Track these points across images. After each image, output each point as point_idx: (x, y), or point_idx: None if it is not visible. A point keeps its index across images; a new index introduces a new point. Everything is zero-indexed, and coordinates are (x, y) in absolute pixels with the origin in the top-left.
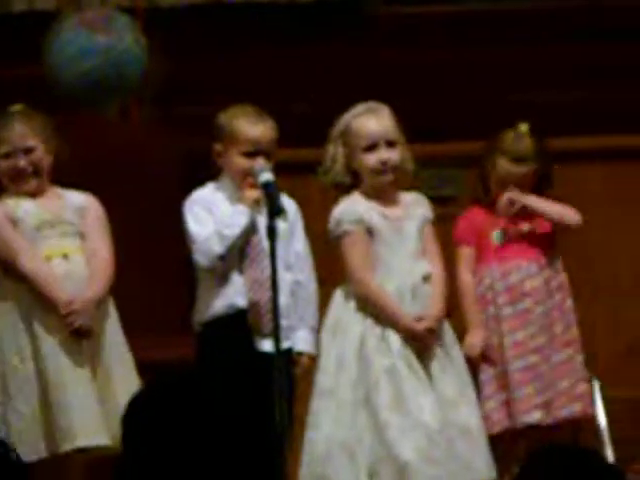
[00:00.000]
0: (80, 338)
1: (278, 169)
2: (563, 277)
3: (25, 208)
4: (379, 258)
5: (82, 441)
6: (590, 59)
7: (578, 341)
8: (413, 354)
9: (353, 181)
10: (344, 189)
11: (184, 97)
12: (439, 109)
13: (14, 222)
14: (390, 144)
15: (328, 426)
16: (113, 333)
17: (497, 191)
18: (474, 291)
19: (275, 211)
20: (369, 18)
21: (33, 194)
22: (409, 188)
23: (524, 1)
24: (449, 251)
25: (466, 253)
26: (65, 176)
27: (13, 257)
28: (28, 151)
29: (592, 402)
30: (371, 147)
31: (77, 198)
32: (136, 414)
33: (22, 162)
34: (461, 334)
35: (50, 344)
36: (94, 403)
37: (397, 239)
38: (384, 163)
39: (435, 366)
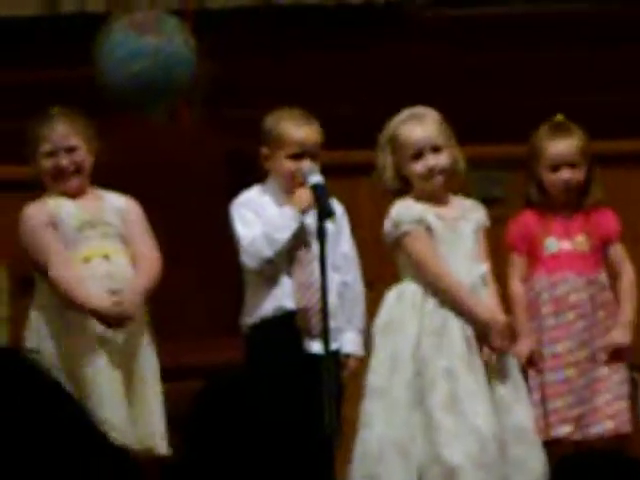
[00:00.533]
0: (119, 326)
1: (325, 171)
2: (608, 294)
3: (66, 209)
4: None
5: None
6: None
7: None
8: (475, 355)
9: (405, 187)
10: (397, 194)
11: (232, 99)
12: (486, 111)
13: (55, 223)
14: (436, 149)
15: (380, 426)
16: (144, 339)
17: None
18: (524, 299)
19: (325, 213)
20: (415, 20)
21: (74, 194)
22: (459, 190)
23: (570, 3)
24: (496, 254)
25: (517, 261)
26: (114, 178)
27: (45, 265)
28: (70, 150)
29: (627, 421)
30: (417, 155)
31: (117, 200)
32: (192, 419)
33: (64, 161)
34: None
35: (82, 345)
36: (123, 406)
37: (453, 238)
38: (431, 169)
39: (492, 368)
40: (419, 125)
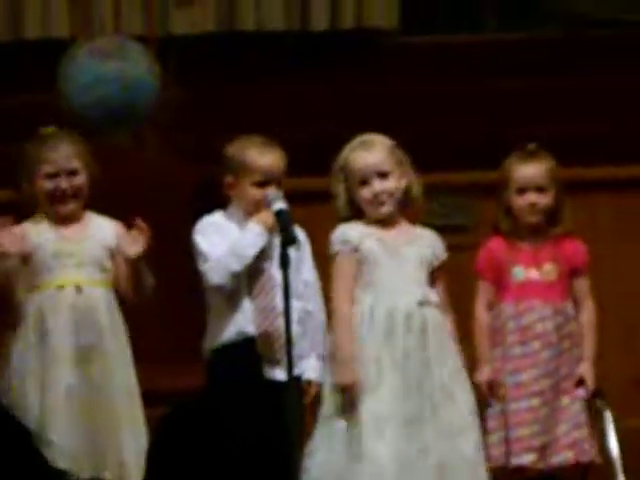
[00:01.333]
0: None
1: (286, 198)
2: (574, 324)
3: (46, 235)
4: (371, 280)
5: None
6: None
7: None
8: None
9: (357, 214)
10: (350, 220)
11: (196, 125)
12: (455, 138)
13: (30, 252)
14: (383, 175)
15: (322, 453)
16: (124, 363)
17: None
18: (488, 326)
19: (289, 240)
20: (384, 47)
21: (64, 219)
22: (418, 216)
23: (541, 30)
24: (460, 282)
25: (484, 287)
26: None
27: None
28: (71, 173)
29: (587, 450)
30: (364, 181)
31: (107, 231)
32: (156, 446)
33: (64, 184)
34: (471, 366)
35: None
36: (85, 433)
37: (393, 263)
38: (376, 195)
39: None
40: (366, 152)
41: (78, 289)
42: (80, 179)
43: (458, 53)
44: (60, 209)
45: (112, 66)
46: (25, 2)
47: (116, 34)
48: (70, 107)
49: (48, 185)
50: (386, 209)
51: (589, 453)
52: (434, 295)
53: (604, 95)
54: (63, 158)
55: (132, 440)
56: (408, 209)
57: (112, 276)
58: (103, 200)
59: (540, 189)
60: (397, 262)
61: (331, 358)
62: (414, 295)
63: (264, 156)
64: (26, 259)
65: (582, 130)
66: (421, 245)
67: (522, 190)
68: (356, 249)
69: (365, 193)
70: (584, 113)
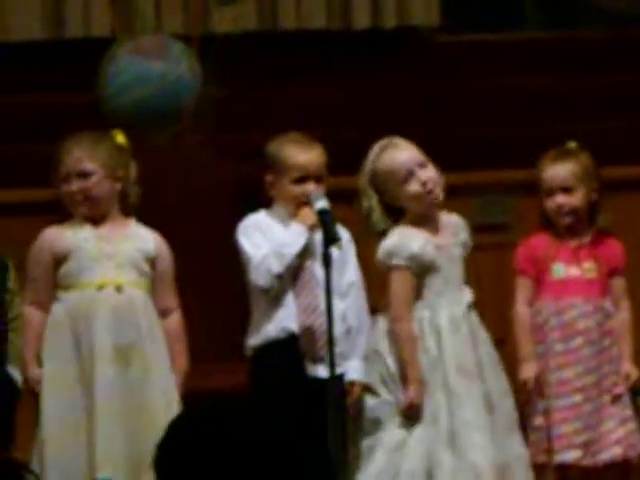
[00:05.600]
0: None
1: (331, 197)
2: (613, 323)
3: (84, 235)
4: (432, 289)
5: (102, 473)
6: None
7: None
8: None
9: (395, 223)
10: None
11: (237, 124)
12: (494, 136)
13: (65, 254)
14: (423, 165)
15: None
16: (162, 368)
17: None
18: (529, 323)
19: (331, 239)
20: (425, 45)
21: (96, 221)
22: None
23: (583, 29)
24: (500, 279)
25: (524, 284)
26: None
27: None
28: (81, 176)
29: (635, 445)
30: (407, 176)
31: (146, 240)
32: (170, 447)
33: (73, 187)
34: (513, 364)
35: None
36: (121, 435)
37: (449, 267)
38: (425, 183)
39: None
40: (396, 150)
41: (118, 289)
42: (91, 181)
43: (499, 51)
44: (76, 212)
45: (153, 65)
46: (66, 1)
47: (157, 33)
48: (110, 106)
49: (64, 188)
50: (436, 196)
51: (637, 448)
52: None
53: None
54: (74, 160)
55: None
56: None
57: (150, 282)
58: (143, 200)
59: (567, 190)
60: (451, 266)
61: (391, 379)
62: (465, 298)
63: (302, 152)
64: (62, 260)
65: (621, 128)
66: (460, 240)
67: (550, 191)
68: (419, 262)
69: (412, 186)
70: (623, 110)
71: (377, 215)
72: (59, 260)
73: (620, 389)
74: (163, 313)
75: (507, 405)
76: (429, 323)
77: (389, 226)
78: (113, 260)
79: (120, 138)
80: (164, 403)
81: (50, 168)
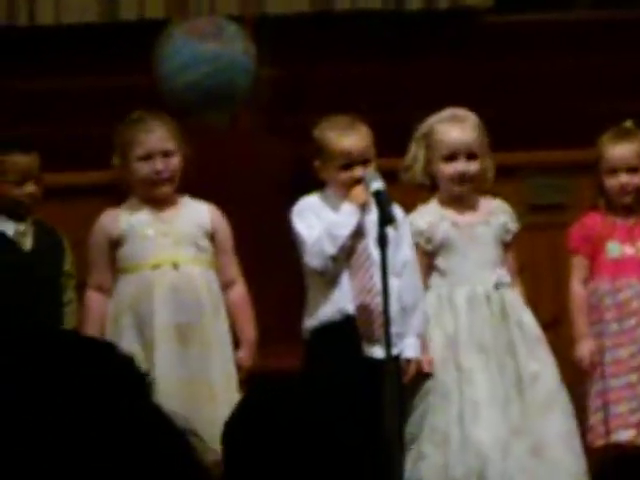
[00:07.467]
0: None
1: (386, 177)
2: None
3: (140, 217)
4: (448, 267)
5: None
6: None
7: None
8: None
9: (431, 184)
10: (424, 188)
11: (292, 105)
12: (551, 117)
13: (121, 237)
14: (471, 156)
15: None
16: (223, 344)
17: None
18: (584, 302)
19: (386, 219)
20: (477, 25)
21: (157, 201)
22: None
23: (635, 9)
24: (557, 260)
25: (579, 263)
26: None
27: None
28: (166, 154)
29: None
30: (450, 157)
31: (202, 213)
32: (237, 428)
33: (159, 165)
34: (568, 343)
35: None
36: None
37: (469, 246)
38: (461, 175)
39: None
40: (459, 127)
41: (175, 266)
42: (175, 160)
43: (551, 31)
44: (156, 191)
45: (209, 46)
46: None
47: (212, 14)
48: (166, 88)
49: (144, 168)
50: (464, 189)
51: None
52: (506, 275)
53: None
54: (157, 139)
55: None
56: (478, 187)
57: (210, 257)
58: (199, 181)
59: (632, 169)
60: (473, 245)
61: None
62: (490, 278)
63: (343, 139)
64: (117, 243)
65: None
66: (496, 223)
67: (613, 170)
68: (428, 239)
69: (449, 169)
70: None
71: (419, 167)
72: (115, 244)
73: None
74: (227, 285)
75: (545, 384)
76: (447, 300)
77: (426, 182)
78: (170, 238)
79: None
80: (224, 378)
81: (110, 150)
